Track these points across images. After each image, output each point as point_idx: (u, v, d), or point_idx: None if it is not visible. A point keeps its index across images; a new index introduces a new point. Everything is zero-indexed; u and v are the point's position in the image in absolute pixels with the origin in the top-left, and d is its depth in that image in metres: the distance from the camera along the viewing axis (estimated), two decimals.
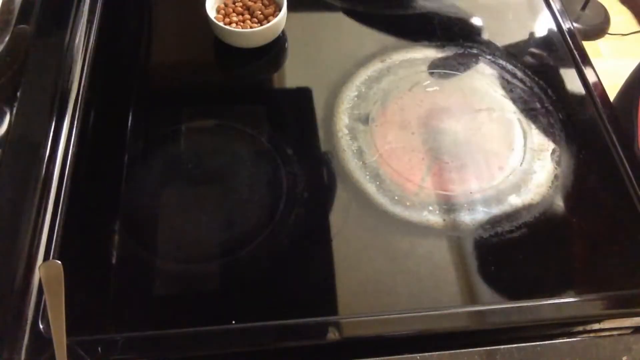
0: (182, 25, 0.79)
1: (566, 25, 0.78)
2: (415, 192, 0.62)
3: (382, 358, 0.51)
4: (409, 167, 0.63)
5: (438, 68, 0.72)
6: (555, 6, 0.80)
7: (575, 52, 0.74)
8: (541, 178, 0.60)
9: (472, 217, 0.62)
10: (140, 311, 0.54)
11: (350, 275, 0.56)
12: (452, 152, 0.65)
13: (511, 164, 0.64)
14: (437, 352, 0.51)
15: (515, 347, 0.52)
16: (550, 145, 0.66)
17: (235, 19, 0.71)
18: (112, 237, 0.57)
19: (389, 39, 0.74)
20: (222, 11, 0.73)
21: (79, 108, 0.65)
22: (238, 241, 0.58)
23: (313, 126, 0.67)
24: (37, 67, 0.66)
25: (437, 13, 0.78)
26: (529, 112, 0.69)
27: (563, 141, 0.67)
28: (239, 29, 0.70)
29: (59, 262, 0.49)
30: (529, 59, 0.73)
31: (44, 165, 0.59)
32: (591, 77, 0.72)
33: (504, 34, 0.77)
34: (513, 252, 0.60)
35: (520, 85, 0.71)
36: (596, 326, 0.54)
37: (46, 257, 0.54)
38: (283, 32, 0.74)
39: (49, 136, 0.61)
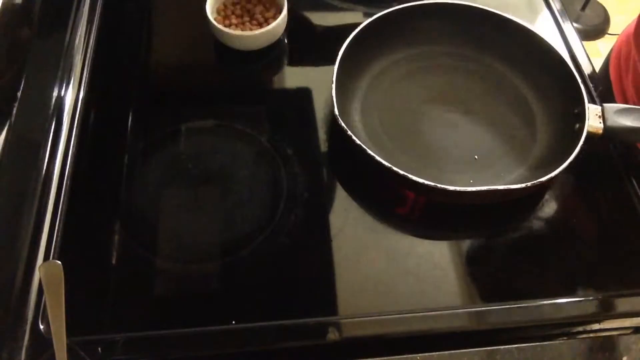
0: (182, 25, 0.79)
1: (566, 25, 0.78)
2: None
3: (382, 358, 0.51)
4: None
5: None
6: (555, 6, 0.80)
7: (575, 52, 0.74)
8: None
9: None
10: (140, 311, 0.54)
11: (350, 275, 0.56)
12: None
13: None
14: (437, 352, 0.51)
15: (515, 347, 0.52)
16: None
17: (234, 21, 0.71)
18: (112, 237, 0.57)
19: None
20: (222, 13, 0.73)
21: (79, 108, 0.65)
22: (238, 241, 0.58)
23: (313, 126, 0.67)
24: (37, 67, 0.66)
25: None
26: None
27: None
28: (238, 32, 0.69)
29: (59, 262, 0.49)
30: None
31: (44, 165, 0.59)
32: (591, 77, 0.72)
33: None
34: (513, 252, 0.60)
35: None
36: (596, 326, 0.54)
37: (46, 257, 0.54)
38: (283, 32, 0.74)
39: (49, 136, 0.61)
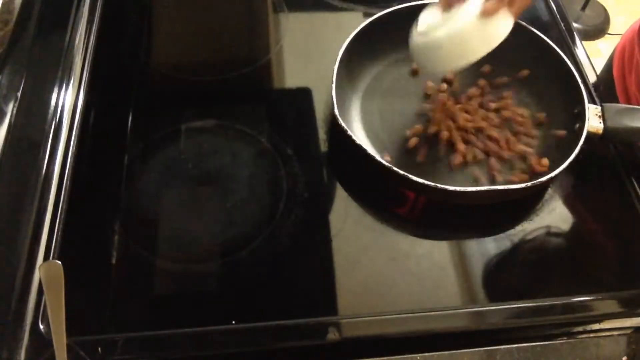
0: (182, 25, 0.79)
1: (566, 25, 0.78)
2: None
3: (382, 358, 0.51)
4: None
5: None
6: (555, 6, 0.80)
7: (575, 52, 0.74)
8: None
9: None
10: (140, 311, 0.54)
11: (350, 275, 0.56)
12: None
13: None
14: (437, 352, 0.51)
15: (515, 347, 0.52)
16: None
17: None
18: (112, 237, 0.57)
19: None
20: None
21: (79, 108, 0.64)
22: (238, 241, 0.58)
23: (313, 126, 0.67)
24: (37, 67, 0.66)
25: None
26: None
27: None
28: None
29: (59, 262, 0.49)
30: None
31: (44, 165, 0.59)
32: (591, 77, 0.72)
33: None
34: (513, 252, 0.60)
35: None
36: (596, 326, 0.54)
37: (46, 257, 0.54)
38: (283, 32, 0.74)
39: (49, 136, 0.61)
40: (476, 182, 0.62)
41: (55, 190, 0.58)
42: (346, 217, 0.60)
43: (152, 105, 0.69)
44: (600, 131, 0.61)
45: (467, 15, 0.56)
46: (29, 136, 0.61)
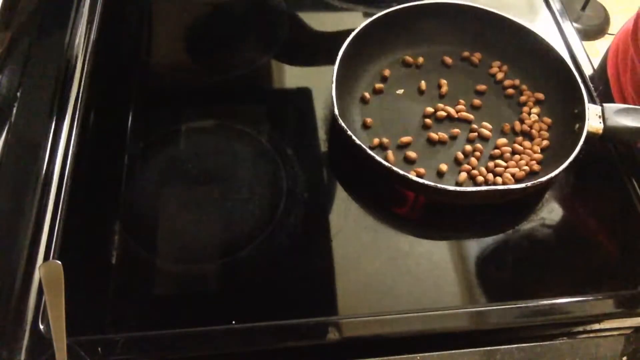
0: (182, 25, 0.79)
1: (566, 25, 0.78)
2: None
3: (382, 358, 0.51)
4: None
5: None
6: (555, 6, 0.80)
7: (575, 52, 0.74)
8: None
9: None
10: (140, 311, 0.54)
11: (350, 275, 0.56)
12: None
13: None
14: (437, 352, 0.51)
15: (515, 347, 0.52)
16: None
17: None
18: (112, 237, 0.57)
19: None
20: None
21: (79, 108, 0.64)
22: (238, 241, 0.58)
23: (313, 126, 0.67)
24: (37, 67, 0.66)
25: None
26: None
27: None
28: None
29: (59, 262, 0.49)
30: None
31: (44, 165, 0.59)
32: (591, 78, 0.72)
33: None
34: (513, 252, 0.60)
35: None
36: (596, 326, 0.54)
37: (46, 257, 0.54)
38: (283, 32, 0.74)
39: (49, 136, 0.61)
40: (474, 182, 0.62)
41: (55, 190, 0.58)
42: (346, 217, 0.60)
43: (152, 105, 0.69)
44: (600, 131, 0.61)
45: None
46: (29, 136, 0.61)
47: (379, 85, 0.69)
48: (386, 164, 0.58)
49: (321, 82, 0.68)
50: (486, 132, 0.65)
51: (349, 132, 0.60)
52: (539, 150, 0.64)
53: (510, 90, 0.69)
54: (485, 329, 0.54)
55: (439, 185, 0.57)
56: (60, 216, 0.56)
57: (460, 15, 0.72)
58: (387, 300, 0.55)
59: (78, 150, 0.62)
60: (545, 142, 0.65)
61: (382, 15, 0.69)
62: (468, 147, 0.64)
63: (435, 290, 0.56)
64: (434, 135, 0.65)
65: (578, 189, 0.65)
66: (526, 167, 0.62)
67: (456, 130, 0.66)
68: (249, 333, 0.52)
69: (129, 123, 0.66)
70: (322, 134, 0.66)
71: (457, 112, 0.67)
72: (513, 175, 0.62)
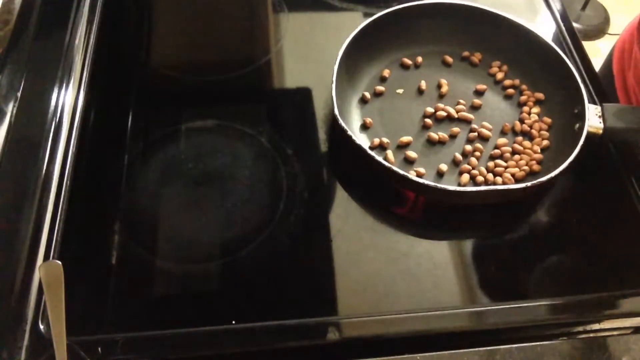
0: (182, 25, 0.79)
1: (566, 25, 0.78)
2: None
3: (382, 358, 0.51)
4: None
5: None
6: (555, 6, 0.80)
7: (575, 52, 0.74)
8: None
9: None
10: (140, 311, 0.54)
11: (350, 275, 0.56)
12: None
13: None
14: (437, 352, 0.51)
15: (515, 347, 0.52)
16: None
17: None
18: (112, 237, 0.57)
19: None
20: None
21: (79, 108, 0.64)
22: (238, 241, 0.58)
23: (313, 126, 0.67)
24: (37, 67, 0.66)
25: None
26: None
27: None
28: None
29: (59, 262, 0.49)
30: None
31: (44, 165, 0.59)
32: (591, 77, 0.72)
33: None
34: (513, 252, 0.60)
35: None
36: (596, 326, 0.54)
37: (46, 257, 0.54)
38: (283, 32, 0.74)
39: (49, 136, 0.61)
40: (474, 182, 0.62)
41: (55, 190, 0.58)
42: (346, 217, 0.60)
43: (152, 105, 0.69)
44: (600, 131, 0.61)
45: None
46: (29, 136, 0.61)
47: (379, 86, 0.69)
48: (386, 164, 0.58)
49: (321, 82, 0.68)
50: (486, 132, 0.65)
51: (349, 132, 0.60)
52: (539, 150, 0.64)
53: (510, 90, 0.69)
54: (485, 329, 0.54)
55: (439, 185, 0.57)
56: (60, 216, 0.56)
57: (460, 15, 0.72)
58: (387, 300, 0.55)
59: (78, 150, 0.62)
60: (545, 142, 0.65)
61: (382, 15, 0.69)
62: (468, 147, 0.64)
63: (435, 290, 0.56)
64: (434, 136, 0.65)
65: (578, 189, 0.65)
66: (526, 167, 0.62)
67: (456, 130, 0.66)
68: (249, 333, 0.52)
69: (129, 123, 0.66)
70: (322, 134, 0.66)
71: (457, 112, 0.67)
72: (513, 175, 0.62)
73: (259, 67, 0.74)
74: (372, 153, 0.59)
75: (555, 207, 0.63)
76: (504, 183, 0.61)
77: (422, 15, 0.71)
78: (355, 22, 0.68)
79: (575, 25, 0.91)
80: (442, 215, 0.63)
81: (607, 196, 0.65)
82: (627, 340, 0.53)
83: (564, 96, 0.66)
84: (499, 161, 0.63)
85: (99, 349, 0.50)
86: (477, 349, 0.52)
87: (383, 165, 0.58)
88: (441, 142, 0.65)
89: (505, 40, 0.71)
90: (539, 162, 0.63)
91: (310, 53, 0.75)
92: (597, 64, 0.78)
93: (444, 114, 0.67)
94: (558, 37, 0.77)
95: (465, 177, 0.62)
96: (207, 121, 0.68)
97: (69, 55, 0.68)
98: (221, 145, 0.65)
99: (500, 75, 0.71)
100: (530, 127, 0.66)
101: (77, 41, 0.70)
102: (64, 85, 0.65)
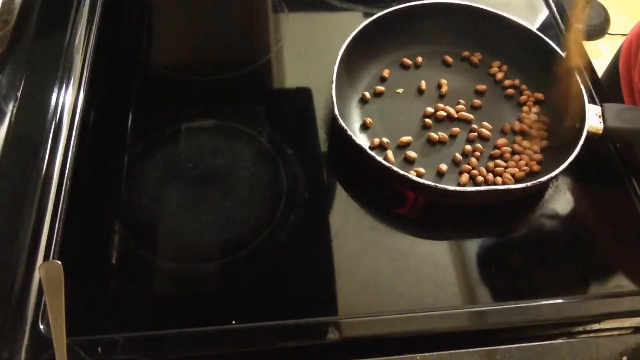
0: (182, 25, 0.79)
1: (566, 25, 0.78)
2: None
3: (382, 358, 0.51)
4: None
5: None
6: (555, 6, 0.80)
7: None
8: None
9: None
10: (140, 311, 0.54)
11: (350, 275, 0.56)
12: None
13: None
14: (437, 352, 0.51)
15: (515, 347, 0.52)
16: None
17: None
18: (112, 237, 0.57)
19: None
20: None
21: (79, 108, 0.64)
22: (238, 241, 0.58)
23: (313, 126, 0.67)
24: (37, 67, 0.66)
25: None
26: None
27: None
28: None
29: (59, 262, 0.49)
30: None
31: (44, 165, 0.59)
32: (591, 77, 0.72)
33: None
34: (513, 252, 0.60)
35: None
36: (596, 326, 0.54)
37: (46, 257, 0.54)
38: (283, 32, 0.74)
39: (49, 136, 0.61)
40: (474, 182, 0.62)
41: (55, 190, 0.58)
42: (346, 217, 0.60)
43: (152, 105, 0.69)
44: (600, 131, 0.61)
45: None
46: (29, 136, 0.61)
47: (379, 86, 0.69)
48: (386, 164, 0.58)
49: (321, 82, 0.68)
50: (486, 132, 0.65)
51: (349, 132, 0.60)
52: (539, 150, 0.64)
53: (510, 90, 0.69)
54: (485, 329, 0.54)
55: (439, 185, 0.57)
56: (60, 216, 0.56)
57: (460, 15, 0.72)
58: (387, 300, 0.55)
59: (78, 150, 0.62)
60: (544, 142, 0.65)
61: (382, 15, 0.69)
62: (468, 147, 0.64)
63: (435, 290, 0.56)
64: (433, 135, 0.65)
65: (578, 189, 0.65)
66: (526, 167, 0.62)
67: (456, 130, 0.66)
68: (249, 333, 0.52)
69: (129, 123, 0.66)
70: (322, 134, 0.66)
71: (457, 112, 0.67)
72: (513, 175, 0.62)
73: (259, 67, 0.74)
74: (372, 153, 0.59)
75: (555, 207, 0.63)
76: (504, 183, 0.61)
77: (422, 15, 0.71)
78: (355, 22, 0.68)
79: (575, 25, 0.91)
80: (442, 215, 0.63)
81: (607, 196, 0.65)
82: (627, 340, 0.53)
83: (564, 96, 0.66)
84: (499, 161, 0.63)
85: (99, 349, 0.50)
86: (477, 349, 0.52)
87: (383, 165, 0.58)
88: (441, 142, 0.65)
89: (505, 40, 0.71)
90: (538, 163, 0.63)
91: (310, 53, 0.75)
92: (597, 64, 0.77)
93: (444, 113, 0.67)
94: (558, 37, 0.77)
95: (465, 177, 0.62)
96: (207, 121, 0.68)
97: (69, 55, 0.68)
98: (221, 145, 0.65)
99: (500, 75, 0.71)
100: (530, 127, 0.66)
101: (77, 41, 0.70)
102: (64, 85, 0.65)
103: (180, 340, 0.51)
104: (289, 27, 0.76)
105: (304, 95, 0.70)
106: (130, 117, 0.67)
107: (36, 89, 0.64)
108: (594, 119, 0.61)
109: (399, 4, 0.70)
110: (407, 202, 0.64)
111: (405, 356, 0.51)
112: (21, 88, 0.64)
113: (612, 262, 0.60)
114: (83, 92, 0.66)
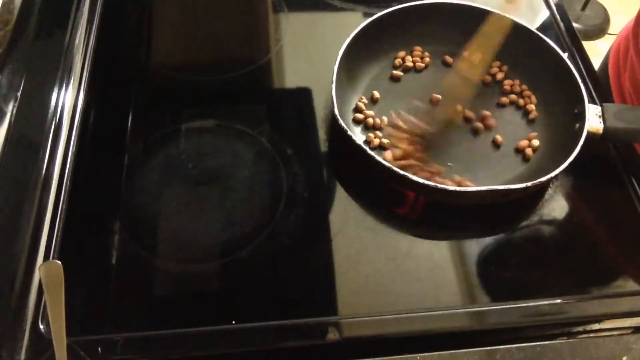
0: (182, 25, 0.79)
1: (566, 25, 0.78)
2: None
3: (382, 358, 0.51)
4: None
5: None
6: (555, 6, 0.80)
7: (575, 52, 0.74)
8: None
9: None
10: (140, 311, 0.54)
11: (350, 275, 0.56)
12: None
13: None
14: (437, 352, 0.51)
15: (515, 347, 0.52)
16: None
17: None
18: (112, 237, 0.57)
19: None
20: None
21: (79, 108, 0.65)
22: (238, 241, 0.58)
23: (313, 126, 0.67)
24: (37, 67, 0.66)
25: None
26: None
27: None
28: None
29: (59, 262, 0.49)
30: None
31: (44, 165, 0.59)
32: (591, 77, 0.72)
33: None
34: (513, 252, 0.60)
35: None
36: (596, 326, 0.54)
37: (46, 257, 0.54)
38: (283, 32, 0.74)
39: (49, 136, 0.61)
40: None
41: (55, 190, 0.58)
42: (346, 217, 0.60)
43: (152, 105, 0.69)
44: (600, 131, 0.61)
45: None
46: (29, 136, 0.61)
47: (379, 85, 0.69)
48: (386, 164, 0.58)
49: (321, 82, 0.68)
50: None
51: (349, 132, 0.60)
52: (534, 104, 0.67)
53: (513, 97, 0.69)
54: (485, 329, 0.54)
55: (439, 185, 0.57)
56: (60, 216, 0.56)
57: (460, 15, 0.72)
58: (387, 300, 0.55)
59: (78, 150, 0.62)
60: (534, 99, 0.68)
61: (382, 15, 0.69)
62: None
63: (435, 290, 0.56)
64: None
65: (578, 189, 0.65)
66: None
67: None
68: (249, 333, 0.52)
69: (129, 123, 0.66)
70: (322, 134, 0.66)
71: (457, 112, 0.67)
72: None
73: (259, 67, 0.74)
74: (372, 153, 0.59)
75: (555, 207, 0.63)
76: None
77: (422, 15, 0.71)
78: (355, 22, 0.68)
79: (575, 25, 0.91)
80: (442, 215, 0.63)
81: (607, 196, 0.65)
82: (627, 340, 0.53)
83: (564, 96, 0.66)
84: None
85: (99, 349, 0.50)
86: (477, 349, 0.52)
87: (383, 165, 0.58)
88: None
89: (506, 40, 0.71)
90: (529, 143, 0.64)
91: (310, 53, 0.75)
92: (597, 64, 0.78)
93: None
94: (558, 37, 0.77)
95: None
96: (207, 121, 0.68)
97: (69, 55, 0.68)
98: (221, 145, 0.65)
99: (500, 75, 0.71)
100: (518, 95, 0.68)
101: (77, 41, 0.70)
102: (64, 85, 0.65)
103: (180, 340, 0.51)
104: (289, 27, 0.76)
105: (304, 95, 0.70)
106: (130, 117, 0.67)
107: (36, 89, 0.64)
108: (594, 119, 0.61)
109: (399, 4, 0.70)
110: (407, 202, 0.64)
111: (405, 356, 0.51)
112: (21, 88, 0.64)
113: (612, 262, 0.60)
114: (83, 92, 0.66)
